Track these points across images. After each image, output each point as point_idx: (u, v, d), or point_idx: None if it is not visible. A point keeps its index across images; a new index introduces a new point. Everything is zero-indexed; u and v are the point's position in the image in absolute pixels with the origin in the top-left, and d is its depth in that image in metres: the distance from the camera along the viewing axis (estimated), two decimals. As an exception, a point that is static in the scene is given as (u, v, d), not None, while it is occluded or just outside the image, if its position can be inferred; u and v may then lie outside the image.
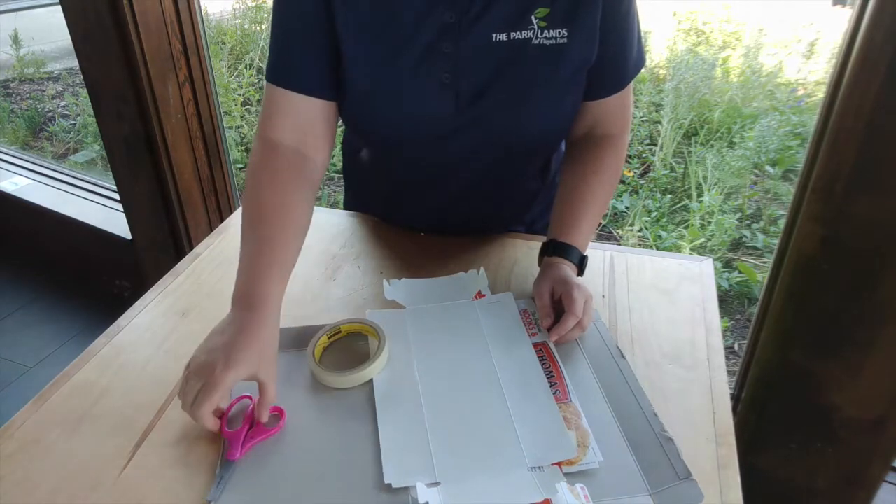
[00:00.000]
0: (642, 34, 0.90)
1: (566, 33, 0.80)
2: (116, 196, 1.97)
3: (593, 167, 0.90)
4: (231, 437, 0.66)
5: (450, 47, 0.80)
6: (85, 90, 1.86)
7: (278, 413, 0.70)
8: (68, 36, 1.61)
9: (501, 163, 0.92)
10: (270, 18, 0.86)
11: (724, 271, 2.23)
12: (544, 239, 0.87)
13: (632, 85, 0.91)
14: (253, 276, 0.73)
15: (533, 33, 0.80)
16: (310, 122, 0.85)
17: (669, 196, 2.57)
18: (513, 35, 0.80)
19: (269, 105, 0.84)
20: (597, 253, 0.96)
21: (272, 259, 0.75)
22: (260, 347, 0.68)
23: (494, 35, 0.80)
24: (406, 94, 0.83)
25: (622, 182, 2.64)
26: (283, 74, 0.83)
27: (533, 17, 0.79)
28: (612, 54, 0.85)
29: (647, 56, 3.22)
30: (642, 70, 0.91)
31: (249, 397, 0.71)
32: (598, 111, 0.90)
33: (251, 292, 0.72)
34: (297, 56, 0.83)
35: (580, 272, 0.85)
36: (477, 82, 0.82)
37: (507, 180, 0.96)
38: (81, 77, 1.71)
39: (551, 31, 0.80)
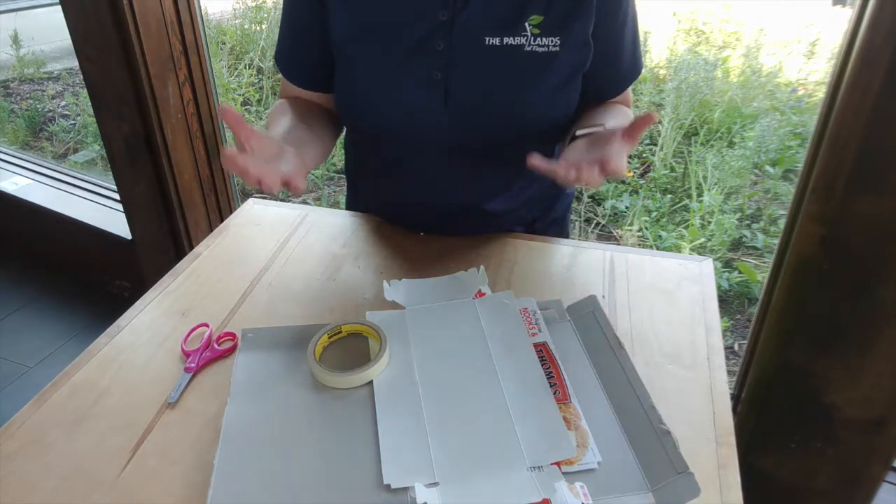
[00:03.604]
0: (640, 41, 0.90)
1: (559, 42, 0.80)
2: (116, 196, 1.97)
3: (603, 106, 0.91)
4: (189, 354, 0.78)
5: (442, 45, 0.81)
6: (85, 90, 1.86)
7: (231, 338, 0.81)
8: (68, 36, 1.61)
9: (497, 164, 0.92)
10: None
11: (724, 271, 2.23)
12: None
13: (630, 88, 0.92)
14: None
15: (526, 40, 0.80)
16: (307, 100, 0.96)
17: (669, 196, 2.57)
18: (506, 40, 0.80)
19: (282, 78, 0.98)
20: (597, 253, 0.96)
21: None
22: None
23: (487, 38, 0.80)
24: (395, 86, 0.84)
25: (622, 182, 2.64)
26: (281, 62, 0.95)
27: (527, 24, 0.80)
28: (604, 64, 0.85)
29: (647, 56, 3.23)
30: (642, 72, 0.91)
31: (206, 325, 0.82)
32: None
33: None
34: (291, 51, 0.93)
35: None
36: (467, 83, 0.82)
37: (505, 181, 0.96)
38: (81, 77, 1.71)
39: (544, 39, 0.80)
